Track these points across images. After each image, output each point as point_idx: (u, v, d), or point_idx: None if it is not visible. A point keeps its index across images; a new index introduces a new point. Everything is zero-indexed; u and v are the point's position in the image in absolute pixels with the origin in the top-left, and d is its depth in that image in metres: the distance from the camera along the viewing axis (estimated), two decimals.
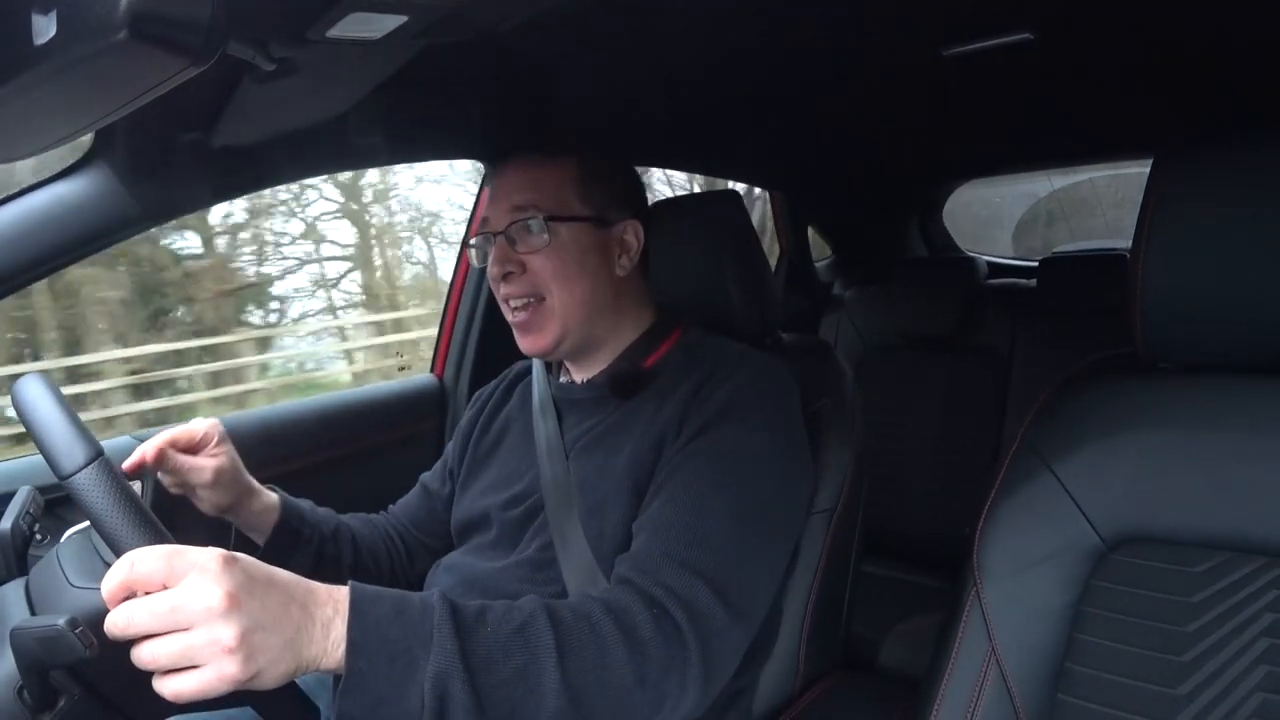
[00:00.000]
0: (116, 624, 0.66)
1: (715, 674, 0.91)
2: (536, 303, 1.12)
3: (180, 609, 0.66)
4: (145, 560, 0.67)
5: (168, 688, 0.67)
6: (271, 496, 1.15)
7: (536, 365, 1.27)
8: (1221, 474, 0.84)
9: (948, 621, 0.98)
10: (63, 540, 0.94)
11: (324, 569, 1.17)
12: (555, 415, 1.19)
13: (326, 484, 1.60)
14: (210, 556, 0.68)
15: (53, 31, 0.62)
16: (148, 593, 0.67)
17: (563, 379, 1.25)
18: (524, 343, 1.15)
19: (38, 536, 0.99)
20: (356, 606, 0.74)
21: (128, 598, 0.68)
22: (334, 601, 0.74)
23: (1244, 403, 0.86)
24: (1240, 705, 0.80)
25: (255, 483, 1.13)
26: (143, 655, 0.67)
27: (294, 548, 1.15)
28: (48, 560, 0.90)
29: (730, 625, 0.92)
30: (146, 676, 0.68)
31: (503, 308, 1.16)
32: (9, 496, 1.00)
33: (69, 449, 0.76)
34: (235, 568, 0.68)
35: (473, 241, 1.19)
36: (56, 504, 1.05)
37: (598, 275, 1.14)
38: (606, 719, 0.83)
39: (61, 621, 0.70)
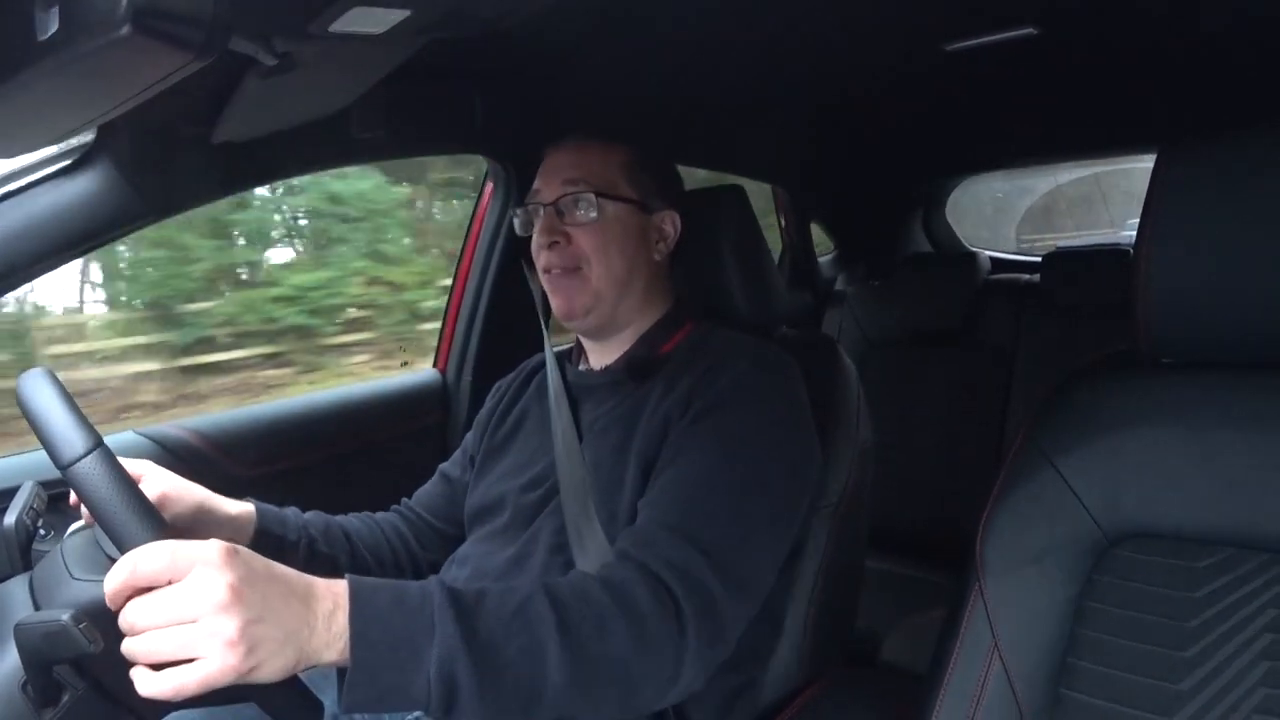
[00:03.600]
0: (127, 622, 0.68)
1: (714, 645, 0.91)
2: (574, 272, 1.16)
3: (184, 603, 0.66)
4: (147, 559, 0.68)
5: (169, 683, 0.66)
6: (245, 506, 1.14)
7: (549, 353, 1.28)
8: (1224, 470, 0.84)
9: (950, 616, 0.98)
10: (66, 536, 0.94)
11: (317, 571, 1.15)
12: (570, 401, 1.21)
13: (329, 480, 1.60)
14: (213, 549, 0.68)
15: (55, 26, 0.62)
16: (151, 589, 0.68)
17: (580, 366, 1.27)
18: (556, 304, 1.19)
19: (41, 532, 0.99)
20: (356, 598, 0.75)
21: (131, 595, 0.68)
22: (333, 595, 0.74)
23: (1247, 398, 0.86)
24: (1243, 700, 0.80)
25: (216, 496, 1.10)
26: (140, 647, 0.67)
27: (279, 553, 1.13)
28: (51, 556, 0.90)
29: (728, 597, 0.92)
30: None
31: (541, 276, 1.21)
32: (13, 492, 1.01)
33: (68, 439, 0.76)
34: (237, 559, 0.69)
35: (517, 211, 1.24)
36: (60, 499, 1.05)
37: (635, 257, 1.18)
38: (608, 692, 0.84)
39: (65, 616, 0.70)
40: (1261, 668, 0.80)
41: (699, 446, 1.01)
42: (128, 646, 0.68)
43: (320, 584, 0.75)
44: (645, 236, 1.20)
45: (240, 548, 0.71)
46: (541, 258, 1.18)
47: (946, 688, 0.95)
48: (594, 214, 1.15)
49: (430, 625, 0.76)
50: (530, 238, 1.21)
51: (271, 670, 0.69)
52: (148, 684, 0.67)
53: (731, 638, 0.95)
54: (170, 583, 0.67)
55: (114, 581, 0.68)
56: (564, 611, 0.82)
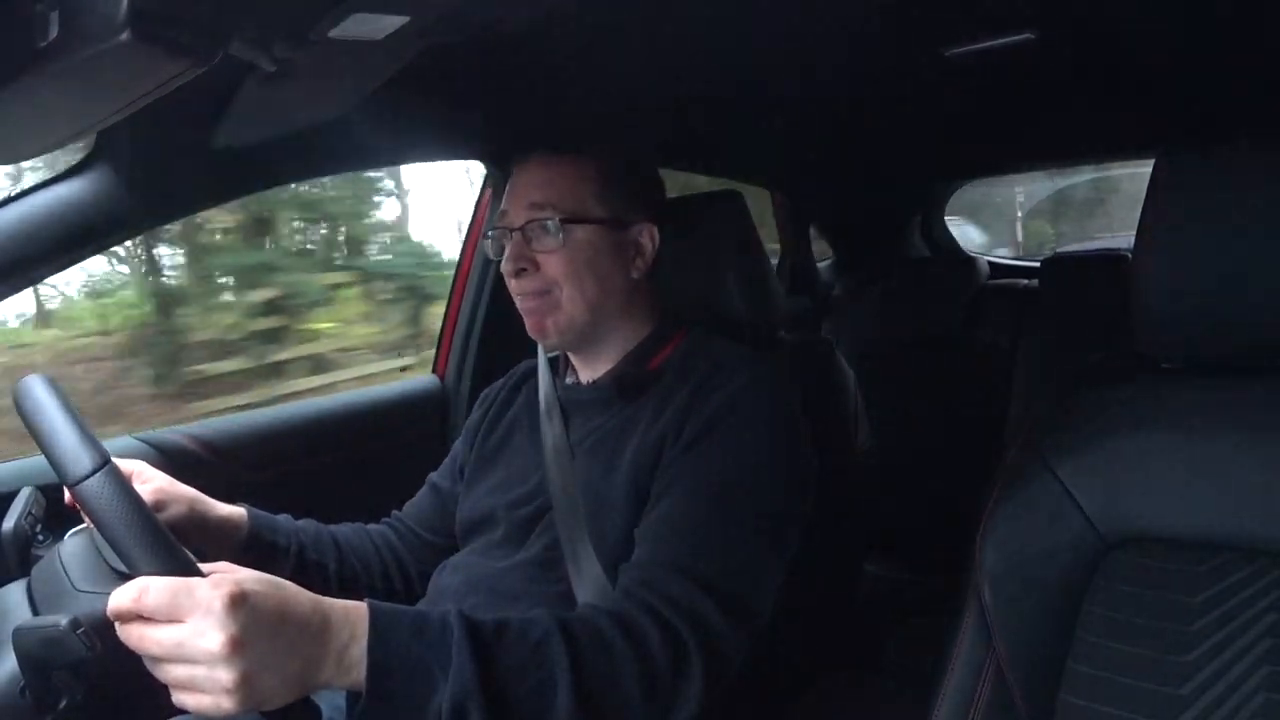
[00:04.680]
0: (129, 641, 0.68)
1: (716, 681, 0.92)
2: (546, 297, 1.13)
3: (183, 646, 0.66)
4: (153, 593, 0.67)
5: (176, 699, 0.69)
6: (236, 510, 1.14)
7: (542, 365, 1.27)
8: (1224, 474, 0.84)
9: (949, 621, 0.98)
10: (65, 540, 0.94)
11: (308, 577, 1.15)
12: (562, 416, 1.19)
13: (328, 486, 1.60)
14: (217, 597, 0.67)
15: (55, 32, 0.62)
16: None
17: (569, 380, 1.25)
18: (529, 326, 1.17)
19: (40, 537, 0.99)
20: (376, 627, 0.75)
21: (134, 618, 0.69)
22: (350, 625, 0.75)
23: (1246, 403, 0.86)
24: (1243, 705, 0.80)
25: (209, 499, 1.10)
26: (155, 668, 0.69)
27: (270, 558, 1.14)
28: (50, 560, 0.90)
29: (732, 634, 0.93)
30: (149, 678, 0.69)
31: (514, 296, 1.17)
32: (11, 496, 1.00)
33: (76, 455, 0.75)
34: (242, 609, 0.68)
35: (489, 234, 1.20)
36: (59, 504, 1.05)
37: (609, 277, 1.15)
38: None
39: (64, 622, 0.70)
40: (1262, 672, 0.80)
41: (695, 475, 1.01)
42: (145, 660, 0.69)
43: (337, 614, 0.75)
44: (619, 255, 1.16)
45: (251, 591, 0.70)
46: (511, 284, 1.15)
47: (946, 692, 0.95)
48: (561, 238, 1.11)
49: (448, 658, 0.77)
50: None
51: (274, 705, 0.70)
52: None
53: (731, 673, 0.96)
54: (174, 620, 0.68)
55: (118, 603, 0.68)
56: (578, 651, 0.83)
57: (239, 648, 0.66)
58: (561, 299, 1.13)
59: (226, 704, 0.67)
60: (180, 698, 0.68)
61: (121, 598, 0.68)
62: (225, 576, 0.70)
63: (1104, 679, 0.87)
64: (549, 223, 1.11)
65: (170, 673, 0.68)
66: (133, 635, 0.68)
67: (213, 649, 0.66)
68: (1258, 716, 0.79)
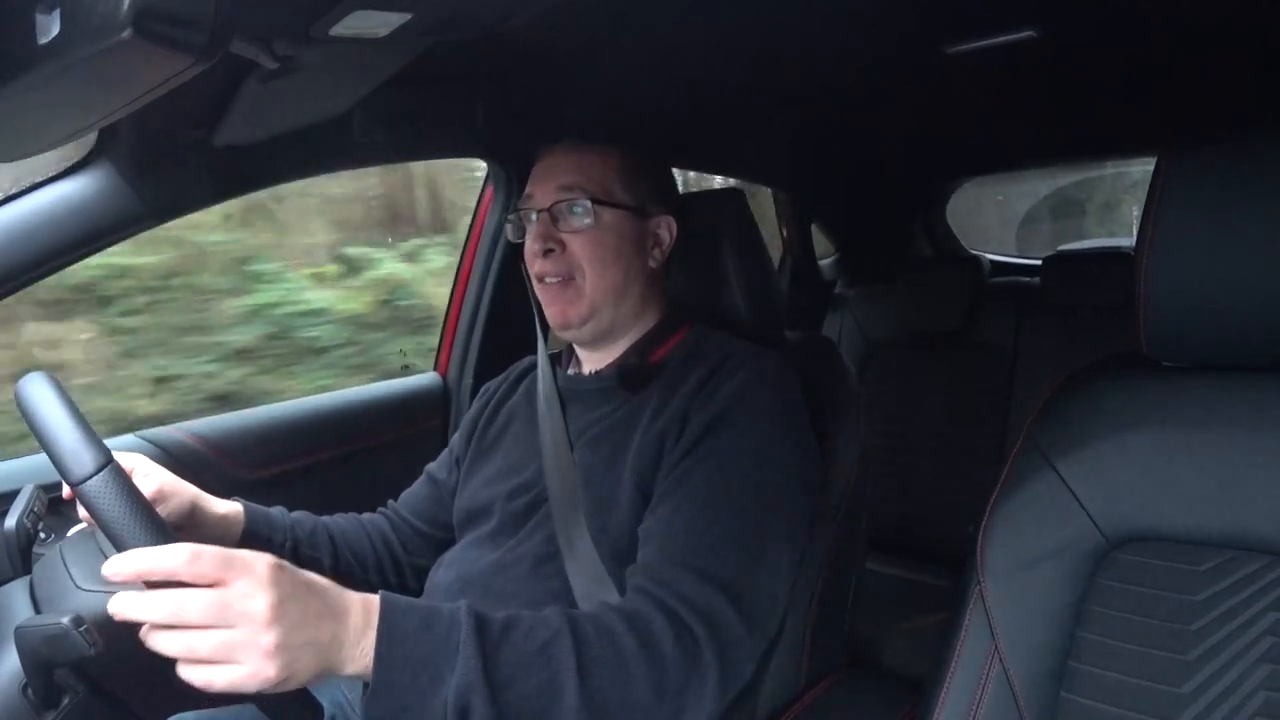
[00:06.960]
0: (164, 606, 0.67)
1: (732, 683, 0.92)
2: (569, 281, 1.15)
3: (229, 608, 0.67)
4: (206, 557, 0.68)
5: (198, 676, 0.68)
6: (233, 506, 1.14)
7: (542, 356, 1.27)
8: (1225, 472, 0.84)
9: (951, 620, 0.98)
10: (66, 538, 0.94)
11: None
12: (561, 407, 1.19)
13: (330, 483, 1.60)
14: (263, 562, 0.70)
15: (56, 30, 0.62)
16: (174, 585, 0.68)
17: (570, 370, 1.26)
18: (551, 315, 1.18)
19: (41, 535, 0.99)
20: (386, 619, 0.76)
21: (161, 584, 0.68)
22: (366, 613, 0.76)
23: (1248, 401, 0.86)
24: (1244, 703, 0.80)
25: (207, 495, 1.11)
26: (176, 643, 0.67)
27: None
28: (52, 559, 0.90)
29: (746, 634, 0.93)
30: (151, 674, 0.69)
31: (535, 285, 1.19)
32: (12, 495, 1.00)
33: (78, 455, 0.75)
34: (284, 576, 0.71)
35: (510, 217, 1.22)
36: (60, 502, 1.05)
37: (631, 264, 1.17)
38: None
39: (66, 620, 0.70)
40: (1263, 670, 0.80)
41: (702, 472, 1.00)
42: (160, 639, 0.68)
43: (355, 601, 0.76)
44: (641, 243, 1.18)
45: (285, 564, 0.73)
46: (535, 265, 1.17)
47: (947, 691, 0.95)
48: (589, 221, 1.13)
49: (454, 653, 0.78)
50: (524, 245, 1.20)
51: (299, 680, 0.71)
52: (182, 671, 0.69)
53: (747, 673, 0.96)
54: (213, 585, 0.68)
55: (166, 563, 0.68)
56: (586, 651, 0.83)
57: (283, 610, 0.69)
58: (586, 286, 1.14)
59: (266, 670, 0.67)
60: (208, 675, 0.67)
61: (172, 559, 0.68)
62: (256, 553, 0.72)
63: (1105, 677, 0.87)
64: (579, 204, 1.13)
65: (206, 642, 0.67)
66: (171, 600, 0.67)
67: (260, 609, 0.68)
68: (1258, 715, 0.79)
